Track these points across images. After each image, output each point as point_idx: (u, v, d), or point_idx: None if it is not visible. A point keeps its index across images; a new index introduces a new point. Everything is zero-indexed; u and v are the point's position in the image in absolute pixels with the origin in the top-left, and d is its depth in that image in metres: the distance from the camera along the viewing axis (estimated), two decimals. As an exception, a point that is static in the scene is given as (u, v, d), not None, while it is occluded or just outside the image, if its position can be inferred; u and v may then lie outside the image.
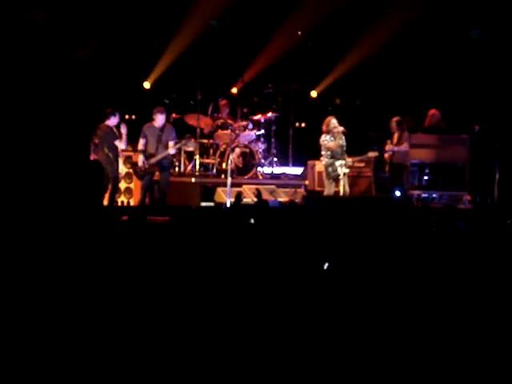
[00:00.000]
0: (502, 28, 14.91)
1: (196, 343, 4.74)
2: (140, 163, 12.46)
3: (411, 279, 5.95)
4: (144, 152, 12.40)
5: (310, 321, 5.10)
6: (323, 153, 12.66)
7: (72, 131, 13.64)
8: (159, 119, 12.43)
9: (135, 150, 13.67)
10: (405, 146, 13.10)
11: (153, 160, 12.42)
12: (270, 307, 5.18)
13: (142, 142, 12.44)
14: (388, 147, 13.12)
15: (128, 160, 13.35)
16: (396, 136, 13.15)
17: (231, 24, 15.50)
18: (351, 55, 15.45)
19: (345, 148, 12.77)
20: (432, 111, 13.72)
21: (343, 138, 12.75)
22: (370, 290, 5.75)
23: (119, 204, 13.32)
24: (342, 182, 12.64)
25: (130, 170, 13.53)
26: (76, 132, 13.62)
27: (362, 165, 13.70)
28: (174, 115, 14.10)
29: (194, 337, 4.81)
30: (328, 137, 12.63)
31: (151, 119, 12.66)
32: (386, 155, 13.22)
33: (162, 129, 12.45)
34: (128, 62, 14.70)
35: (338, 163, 12.62)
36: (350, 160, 12.75)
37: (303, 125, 15.80)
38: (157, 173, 12.65)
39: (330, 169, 12.67)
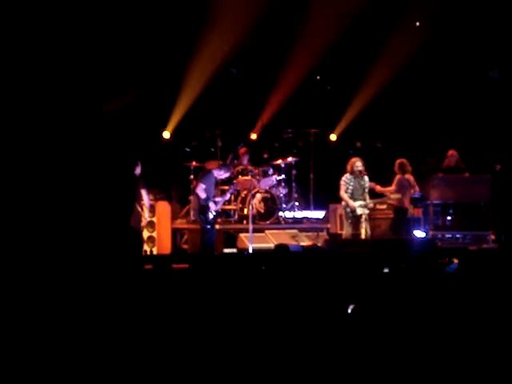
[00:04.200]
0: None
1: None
2: (215, 208, 12.41)
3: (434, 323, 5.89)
4: (209, 199, 12.37)
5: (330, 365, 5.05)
6: (341, 193, 12.65)
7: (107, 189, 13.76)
8: (223, 173, 12.71)
9: (159, 199, 13.90)
10: (391, 190, 13.14)
11: (220, 206, 12.61)
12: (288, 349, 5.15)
13: (203, 187, 12.41)
14: (375, 187, 13.13)
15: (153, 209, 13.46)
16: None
17: (248, 71, 15.64)
18: (367, 94, 15.51)
19: (366, 190, 12.74)
20: (451, 152, 13.71)
21: (365, 179, 12.73)
22: (393, 334, 5.69)
23: (142, 253, 13.37)
24: (363, 224, 12.59)
25: (154, 219, 13.64)
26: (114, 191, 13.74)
27: (384, 207, 13.63)
28: (194, 163, 14.17)
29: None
30: (349, 177, 12.65)
31: (203, 168, 13.24)
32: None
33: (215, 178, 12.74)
34: (145, 112, 14.82)
35: (357, 204, 12.60)
36: (370, 201, 12.71)
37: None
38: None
39: (348, 209, 12.64)
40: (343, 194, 12.63)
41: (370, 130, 15.94)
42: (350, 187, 12.66)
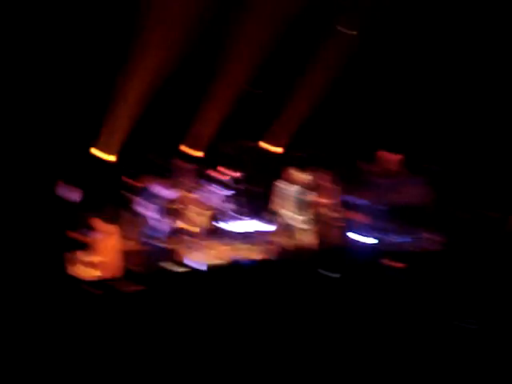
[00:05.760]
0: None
1: None
2: (161, 227, 12.62)
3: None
4: (153, 216, 12.49)
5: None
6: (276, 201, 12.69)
7: None
8: (165, 191, 12.90)
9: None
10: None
11: (167, 225, 12.68)
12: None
13: (145, 205, 12.52)
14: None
15: None
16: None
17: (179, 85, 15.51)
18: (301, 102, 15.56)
19: (307, 201, 12.76)
20: (385, 154, 13.84)
21: (303, 190, 12.76)
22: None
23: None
24: (306, 234, 12.62)
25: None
26: None
27: (334, 215, 13.68)
28: (128, 180, 13.93)
29: None
30: (284, 185, 12.71)
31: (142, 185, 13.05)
32: None
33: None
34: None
35: (289, 215, 12.62)
36: (307, 212, 12.70)
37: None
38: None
39: (288, 219, 12.67)
40: (279, 205, 12.68)
41: (310, 139, 16.05)
42: (287, 198, 12.70)
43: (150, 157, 14.54)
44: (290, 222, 12.63)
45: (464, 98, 15.02)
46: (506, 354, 5.06)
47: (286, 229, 12.74)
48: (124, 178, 13.91)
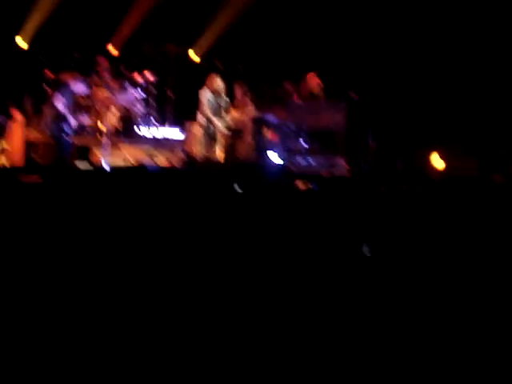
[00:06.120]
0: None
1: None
2: (73, 123, 12.23)
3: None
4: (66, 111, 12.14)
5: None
6: (204, 109, 12.66)
7: None
8: (81, 87, 12.55)
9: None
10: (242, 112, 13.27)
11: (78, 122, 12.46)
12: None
13: (60, 98, 12.08)
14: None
15: None
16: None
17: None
18: (231, 12, 15.39)
19: (224, 109, 12.84)
20: (309, 76, 13.75)
21: (224, 97, 12.83)
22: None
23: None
24: (219, 145, 12.70)
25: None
26: None
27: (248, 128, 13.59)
28: (49, 73, 13.68)
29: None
30: (209, 94, 12.68)
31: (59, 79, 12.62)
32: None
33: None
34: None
35: (215, 122, 12.65)
36: (228, 120, 12.80)
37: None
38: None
39: (206, 128, 12.67)
40: (207, 111, 12.65)
41: (232, 50, 15.84)
42: (210, 105, 12.70)
43: (73, 52, 14.22)
44: (208, 128, 12.59)
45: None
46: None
47: (203, 137, 12.68)
48: (45, 71, 13.61)
